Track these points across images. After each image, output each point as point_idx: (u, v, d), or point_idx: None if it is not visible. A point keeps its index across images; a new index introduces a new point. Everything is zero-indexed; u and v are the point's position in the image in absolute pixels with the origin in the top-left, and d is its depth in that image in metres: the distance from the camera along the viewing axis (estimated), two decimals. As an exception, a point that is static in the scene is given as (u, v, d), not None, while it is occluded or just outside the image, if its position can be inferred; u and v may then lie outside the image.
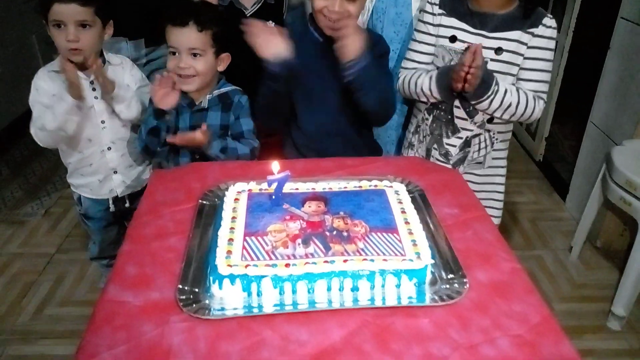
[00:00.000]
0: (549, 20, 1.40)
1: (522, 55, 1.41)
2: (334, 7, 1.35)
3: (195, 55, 1.44)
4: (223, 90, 1.53)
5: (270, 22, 1.55)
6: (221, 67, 1.51)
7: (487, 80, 1.35)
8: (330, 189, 1.20)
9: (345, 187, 1.21)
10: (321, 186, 1.21)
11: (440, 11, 1.47)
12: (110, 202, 1.72)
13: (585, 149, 2.38)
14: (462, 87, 1.35)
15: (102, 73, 1.47)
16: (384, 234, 1.01)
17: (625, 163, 1.83)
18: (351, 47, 1.32)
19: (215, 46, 1.46)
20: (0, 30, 2.90)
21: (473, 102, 1.41)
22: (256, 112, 1.52)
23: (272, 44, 1.34)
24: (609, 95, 2.19)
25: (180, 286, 0.92)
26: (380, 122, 1.61)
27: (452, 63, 1.44)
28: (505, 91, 1.39)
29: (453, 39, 1.44)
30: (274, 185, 1.10)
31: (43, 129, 1.49)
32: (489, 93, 1.36)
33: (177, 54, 1.44)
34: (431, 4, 1.48)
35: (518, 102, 1.40)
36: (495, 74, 1.39)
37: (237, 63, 1.54)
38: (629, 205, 1.79)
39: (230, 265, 0.92)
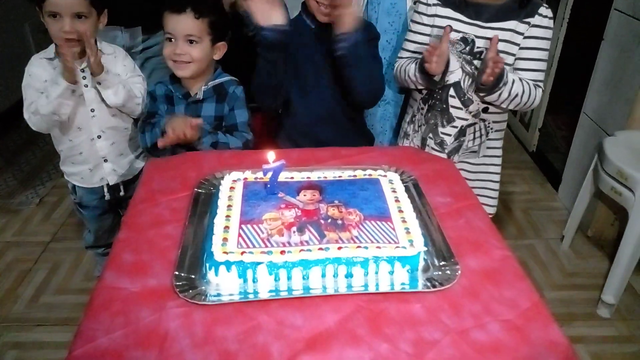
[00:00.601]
0: (545, 10, 1.41)
1: (517, 45, 1.42)
2: None
3: (191, 42, 1.44)
4: (218, 80, 1.54)
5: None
6: (217, 56, 1.52)
7: (500, 73, 1.37)
8: (325, 178, 1.21)
9: (340, 176, 1.22)
10: (316, 175, 1.22)
11: (436, 2, 1.47)
12: (105, 190, 1.72)
13: (578, 139, 2.39)
14: (434, 67, 1.37)
15: (96, 55, 1.46)
16: (378, 222, 1.03)
17: (616, 153, 1.84)
18: (347, 19, 1.34)
19: (212, 34, 1.46)
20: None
21: (483, 94, 1.42)
22: (254, 91, 1.51)
23: (268, 11, 1.35)
24: (602, 86, 2.20)
25: (177, 273, 0.94)
26: (366, 103, 1.60)
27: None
28: (513, 81, 1.40)
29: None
30: (270, 174, 1.11)
31: (37, 113, 1.50)
32: (501, 84, 1.38)
33: (173, 40, 1.45)
34: None
35: (522, 92, 1.42)
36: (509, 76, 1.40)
37: (234, 52, 1.54)
38: (620, 195, 1.81)
39: (226, 252, 0.93)
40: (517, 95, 1.41)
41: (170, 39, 1.45)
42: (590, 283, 2.01)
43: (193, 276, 0.94)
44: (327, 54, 1.45)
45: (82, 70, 1.54)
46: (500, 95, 1.40)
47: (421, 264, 0.96)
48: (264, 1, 1.35)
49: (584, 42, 2.47)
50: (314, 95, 1.49)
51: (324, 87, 1.47)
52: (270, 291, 0.91)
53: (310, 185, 1.16)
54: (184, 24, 1.43)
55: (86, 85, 1.55)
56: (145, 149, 1.56)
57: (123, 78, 1.59)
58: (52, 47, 1.54)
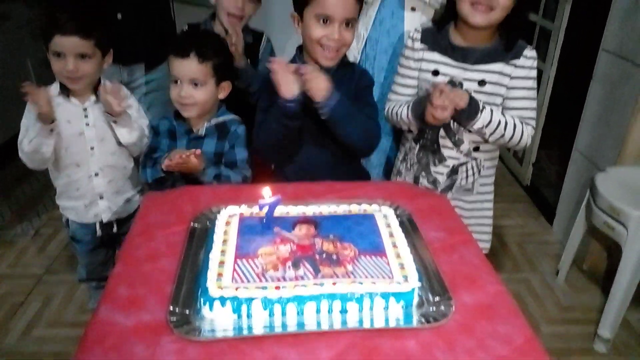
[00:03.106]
0: (529, 52, 1.45)
1: (505, 86, 1.45)
2: (334, 35, 1.37)
3: (196, 84, 1.47)
4: (221, 119, 1.56)
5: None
6: (222, 95, 1.55)
7: (473, 108, 1.39)
8: (321, 212, 1.22)
9: (335, 211, 1.23)
10: (311, 210, 1.23)
11: (422, 46, 1.50)
12: (97, 227, 1.73)
13: (570, 174, 2.43)
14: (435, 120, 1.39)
15: (114, 97, 1.48)
16: (373, 257, 1.04)
17: (608, 189, 1.87)
18: (316, 88, 1.34)
19: (216, 75, 1.50)
20: (-6, 53, 2.93)
21: (468, 127, 1.45)
22: (261, 147, 1.50)
23: (291, 83, 1.33)
24: (593, 123, 2.25)
25: (172, 308, 0.94)
26: (364, 154, 1.61)
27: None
28: (499, 122, 1.42)
29: (435, 72, 1.48)
30: (266, 209, 1.13)
31: (22, 151, 1.52)
32: (480, 119, 1.41)
33: (178, 82, 1.48)
34: (412, 39, 1.52)
35: (506, 128, 1.43)
36: (487, 105, 1.42)
37: (238, 90, 1.58)
38: (613, 230, 1.83)
39: (220, 288, 0.94)
40: (502, 135, 1.44)
41: (175, 81, 1.49)
42: (586, 317, 2.00)
43: (187, 311, 0.94)
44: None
45: (84, 109, 1.57)
46: (483, 128, 1.42)
47: (415, 299, 0.97)
48: (289, 74, 1.33)
49: (574, 80, 2.53)
50: (312, 143, 1.49)
51: (321, 131, 1.46)
52: (265, 327, 0.91)
53: (306, 220, 1.17)
54: (188, 67, 1.46)
55: (87, 124, 1.58)
56: (146, 184, 1.57)
57: (133, 114, 1.61)
58: (56, 84, 1.57)
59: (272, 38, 1.92)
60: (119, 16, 1.72)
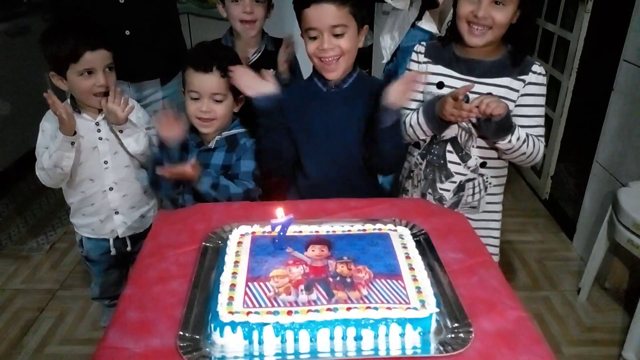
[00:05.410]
0: (537, 67, 1.42)
1: (513, 101, 1.42)
2: (323, 45, 1.36)
3: (217, 99, 1.47)
4: (233, 131, 1.56)
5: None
6: (237, 109, 1.55)
7: (509, 123, 1.37)
8: (334, 231, 1.19)
9: (349, 230, 1.20)
10: (325, 229, 1.20)
11: (426, 59, 1.49)
12: (111, 245, 1.72)
13: (591, 188, 2.36)
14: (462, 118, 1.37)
15: (125, 105, 1.50)
16: (388, 281, 1.00)
17: (631, 205, 1.81)
18: (405, 92, 1.36)
19: (234, 90, 1.49)
20: (13, 67, 2.97)
21: (494, 139, 1.42)
22: (260, 157, 1.53)
23: (254, 83, 1.40)
24: (614, 135, 2.19)
25: (181, 332, 0.92)
26: (391, 170, 1.62)
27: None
28: (520, 136, 1.39)
29: (440, 85, 1.46)
30: (278, 228, 1.10)
31: (42, 168, 1.53)
32: (512, 130, 1.38)
33: (199, 98, 1.47)
34: (417, 52, 1.51)
35: (527, 142, 1.41)
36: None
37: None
38: (637, 247, 1.77)
39: (231, 312, 0.91)
40: (523, 153, 1.41)
41: (194, 97, 1.48)
42: (609, 338, 1.94)
43: (198, 336, 0.91)
44: (339, 116, 1.45)
45: (97, 124, 1.57)
46: (510, 141, 1.39)
47: (433, 326, 0.93)
48: (249, 76, 1.41)
49: (593, 91, 2.47)
50: (327, 157, 1.48)
51: (338, 148, 1.46)
52: (277, 354, 0.88)
53: (319, 240, 1.14)
54: (210, 82, 1.45)
55: (100, 138, 1.58)
56: (149, 184, 1.61)
57: (144, 126, 1.61)
58: (66, 101, 1.57)
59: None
60: (127, 32, 1.72)
